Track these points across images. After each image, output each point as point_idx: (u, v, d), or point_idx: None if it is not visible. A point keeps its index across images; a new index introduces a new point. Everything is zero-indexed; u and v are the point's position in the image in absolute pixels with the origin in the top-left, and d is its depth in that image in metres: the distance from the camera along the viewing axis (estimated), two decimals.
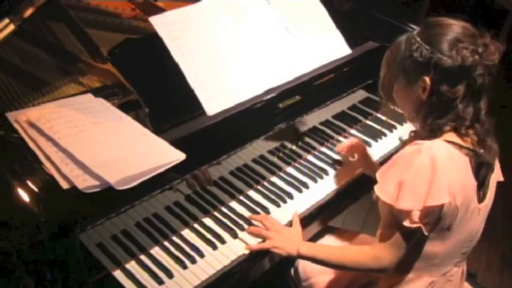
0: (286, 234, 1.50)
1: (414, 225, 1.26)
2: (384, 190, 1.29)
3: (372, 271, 1.41)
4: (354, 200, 1.84)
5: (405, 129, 2.07)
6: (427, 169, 1.23)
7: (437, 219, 1.29)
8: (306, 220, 1.64)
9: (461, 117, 1.28)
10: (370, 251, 1.37)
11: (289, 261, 1.74)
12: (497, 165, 1.43)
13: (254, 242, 1.52)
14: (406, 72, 1.33)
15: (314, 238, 1.77)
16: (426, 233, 1.29)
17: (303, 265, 1.73)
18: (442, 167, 1.22)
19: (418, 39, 1.29)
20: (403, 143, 1.59)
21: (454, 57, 1.24)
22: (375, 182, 1.34)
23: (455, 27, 1.28)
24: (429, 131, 1.33)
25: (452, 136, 1.31)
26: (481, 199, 1.38)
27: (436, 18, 1.34)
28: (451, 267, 1.44)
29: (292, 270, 1.76)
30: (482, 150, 1.32)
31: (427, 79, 1.28)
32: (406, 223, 1.26)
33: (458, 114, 1.27)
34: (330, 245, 1.49)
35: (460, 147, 1.28)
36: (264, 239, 1.51)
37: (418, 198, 1.23)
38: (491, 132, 1.35)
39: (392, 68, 1.36)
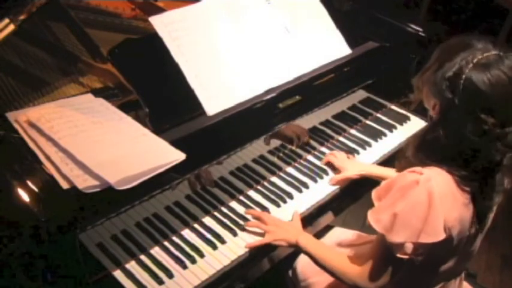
0: (285, 226, 1.51)
1: (406, 257, 1.20)
2: (377, 219, 1.23)
3: (356, 287, 1.37)
4: (354, 200, 1.84)
5: (405, 129, 2.07)
6: (424, 205, 1.17)
7: (430, 251, 1.24)
8: (306, 220, 1.64)
9: (454, 169, 1.20)
10: (360, 269, 1.33)
11: (288, 261, 1.74)
12: None
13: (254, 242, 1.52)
14: (434, 83, 1.22)
15: (315, 237, 1.77)
16: (419, 263, 1.25)
17: (301, 266, 1.73)
18: (439, 203, 1.17)
19: (467, 68, 1.13)
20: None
21: (465, 123, 1.15)
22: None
23: (503, 92, 1.12)
24: (417, 161, 1.26)
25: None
26: (481, 221, 1.32)
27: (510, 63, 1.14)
28: (446, 282, 1.43)
29: (290, 271, 1.76)
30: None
31: (438, 107, 1.22)
32: (398, 254, 1.23)
33: (453, 165, 1.21)
34: (328, 245, 1.48)
35: (461, 178, 1.21)
36: (264, 234, 1.51)
37: (411, 233, 1.18)
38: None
39: (435, 65, 1.23)
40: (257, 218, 1.58)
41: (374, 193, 1.31)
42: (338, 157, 1.83)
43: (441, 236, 1.18)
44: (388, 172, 1.72)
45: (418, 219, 1.18)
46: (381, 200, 1.28)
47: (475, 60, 1.13)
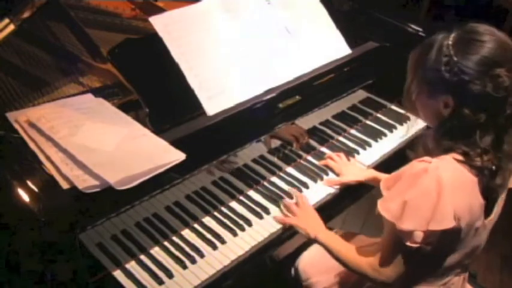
0: (311, 217, 1.57)
1: (415, 245, 1.21)
2: (386, 208, 1.24)
3: (370, 281, 1.40)
4: (354, 200, 1.84)
5: (405, 129, 2.07)
6: (433, 193, 1.18)
7: (439, 239, 1.25)
8: None
9: (476, 144, 1.20)
10: (373, 262, 1.35)
11: (290, 261, 1.74)
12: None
13: (254, 242, 1.52)
14: (430, 84, 1.25)
15: None
16: (428, 252, 1.26)
17: (303, 265, 1.73)
18: (448, 191, 1.17)
19: (451, 50, 1.18)
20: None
21: (485, 84, 1.15)
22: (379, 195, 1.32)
23: (494, 44, 1.16)
24: (441, 149, 1.27)
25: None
26: (487, 215, 1.33)
27: (475, 26, 1.20)
28: (451, 277, 1.43)
29: (292, 270, 1.76)
30: (494, 172, 1.24)
31: (451, 99, 1.21)
32: (408, 243, 1.24)
33: (474, 141, 1.20)
34: (344, 241, 1.49)
35: (470, 166, 1.22)
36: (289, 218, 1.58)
37: (420, 221, 1.19)
38: None
39: (417, 73, 1.28)
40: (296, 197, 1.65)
41: (383, 183, 1.32)
42: (338, 161, 1.82)
43: (451, 223, 1.19)
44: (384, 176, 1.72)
45: (428, 206, 1.19)
46: (389, 190, 1.29)
47: (450, 42, 1.20)
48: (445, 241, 1.26)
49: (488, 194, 1.28)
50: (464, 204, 1.23)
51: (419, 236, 1.22)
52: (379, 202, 1.29)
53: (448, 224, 1.21)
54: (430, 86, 1.26)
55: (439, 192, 1.18)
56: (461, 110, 1.21)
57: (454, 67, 1.17)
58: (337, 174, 1.79)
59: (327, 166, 1.83)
